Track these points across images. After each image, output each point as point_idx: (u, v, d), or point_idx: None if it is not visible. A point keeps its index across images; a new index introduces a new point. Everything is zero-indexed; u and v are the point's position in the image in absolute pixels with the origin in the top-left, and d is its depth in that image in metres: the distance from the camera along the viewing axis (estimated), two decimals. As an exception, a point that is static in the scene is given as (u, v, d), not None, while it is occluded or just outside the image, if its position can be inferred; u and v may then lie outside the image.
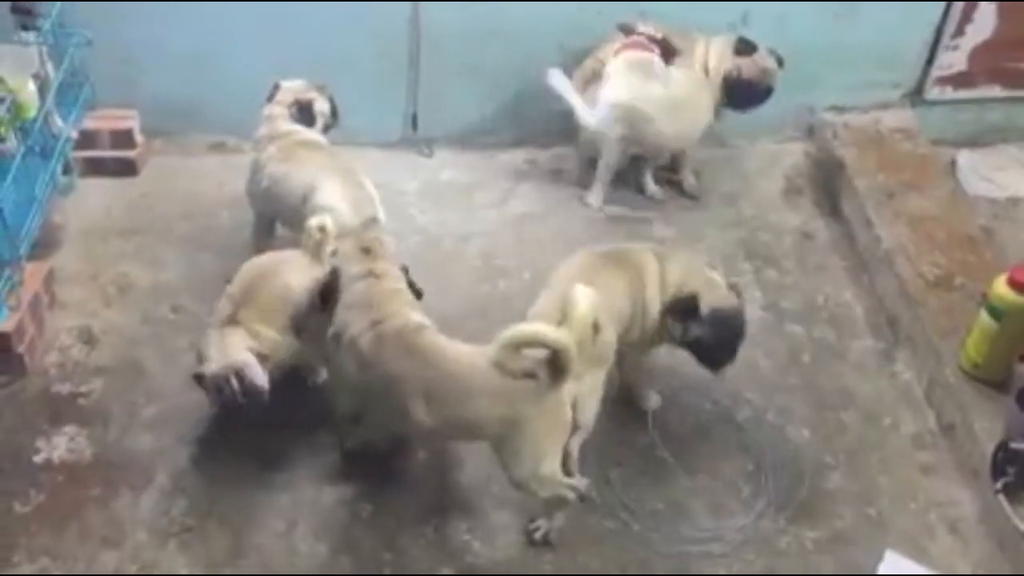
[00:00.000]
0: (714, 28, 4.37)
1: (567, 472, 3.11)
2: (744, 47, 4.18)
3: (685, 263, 3.34)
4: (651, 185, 4.44)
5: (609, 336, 3.15)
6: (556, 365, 2.85)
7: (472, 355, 2.98)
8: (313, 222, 3.35)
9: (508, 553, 3.15)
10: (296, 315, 3.27)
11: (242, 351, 3.15)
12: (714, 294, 3.26)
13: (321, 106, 3.87)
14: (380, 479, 3.33)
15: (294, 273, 3.32)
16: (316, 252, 3.33)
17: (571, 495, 3.05)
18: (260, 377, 3.12)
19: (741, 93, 4.20)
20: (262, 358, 3.16)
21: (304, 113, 3.82)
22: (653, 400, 3.56)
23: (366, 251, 3.22)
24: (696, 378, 3.55)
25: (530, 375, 2.88)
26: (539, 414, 2.91)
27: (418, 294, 3.30)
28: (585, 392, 3.11)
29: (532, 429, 2.92)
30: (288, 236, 3.75)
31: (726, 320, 3.26)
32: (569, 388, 2.94)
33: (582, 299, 2.89)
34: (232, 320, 3.24)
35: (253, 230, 3.89)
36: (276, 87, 3.85)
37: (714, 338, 3.24)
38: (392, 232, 3.69)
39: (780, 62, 4.21)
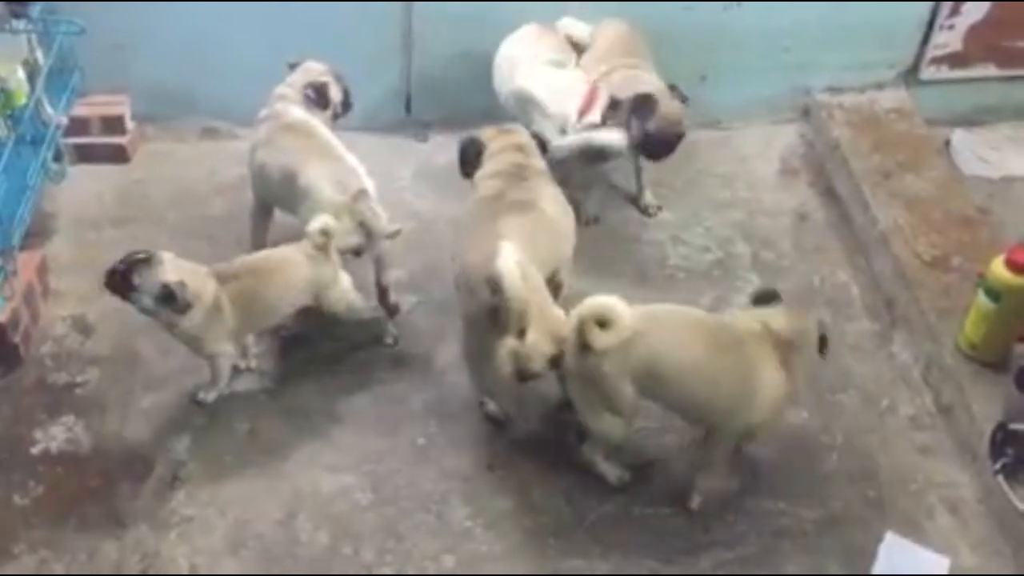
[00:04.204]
0: (709, 8, 4.35)
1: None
2: None
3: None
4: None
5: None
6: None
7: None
8: (314, 226, 3.37)
9: (510, 539, 3.15)
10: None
11: (171, 273, 3.18)
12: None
13: (335, 93, 3.84)
14: (380, 466, 3.32)
15: (295, 282, 3.40)
16: (323, 251, 3.39)
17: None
18: (136, 285, 3.16)
19: None
20: (169, 293, 3.15)
21: (319, 95, 3.78)
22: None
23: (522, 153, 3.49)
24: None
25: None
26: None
27: None
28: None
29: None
30: (286, 217, 3.75)
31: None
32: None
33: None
34: (221, 276, 3.29)
35: (251, 211, 3.86)
36: (295, 65, 3.82)
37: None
38: (387, 217, 3.65)
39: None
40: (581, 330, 2.95)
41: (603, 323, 2.93)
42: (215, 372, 3.42)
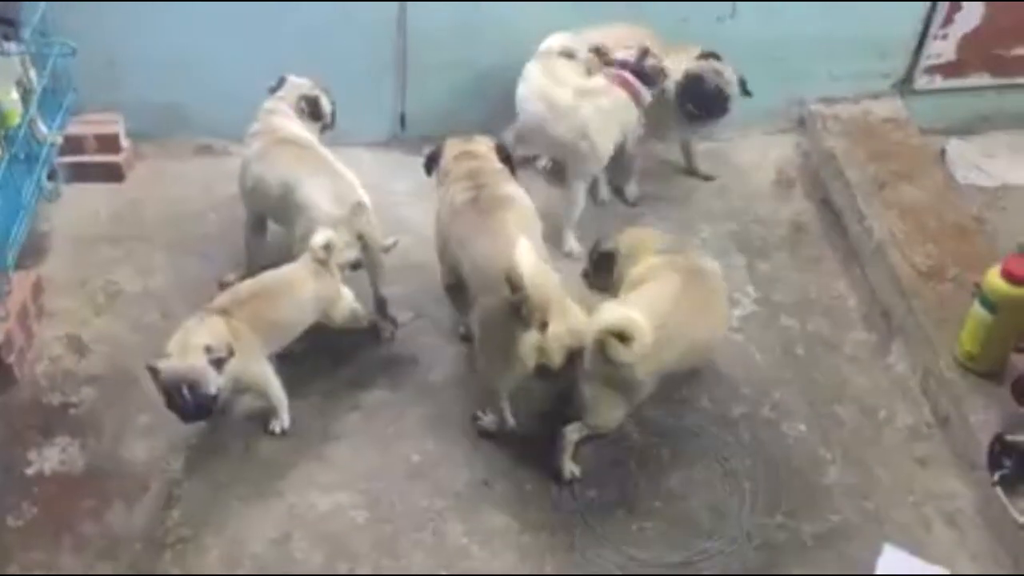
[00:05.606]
0: (704, 20, 4.35)
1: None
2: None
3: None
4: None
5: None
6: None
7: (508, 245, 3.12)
8: (317, 241, 3.37)
9: (507, 556, 3.14)
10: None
11: (199, 355, 3.10)
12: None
13: (325, 105, 3.88)
14: (375, 484, 3.31)
15: (303, 300, 3.39)
16: (324, 265, 3.41)
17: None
18: (211, 386, 3.09)
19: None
20: (218, 361, 3.11)
21: (314, 109, 3.82)
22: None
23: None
24: (692, 375, 3.57)
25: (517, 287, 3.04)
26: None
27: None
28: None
29: None
30: (280, 231, 3.75)
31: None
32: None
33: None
34: (222, 310, 3.25)
35: (245, 226, 3.87)
36: (282, 80, 3.84)
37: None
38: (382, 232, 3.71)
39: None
40: (601, 343, 3.02)
41: (623, 337, 2.99)
42: (273, 396, 3.39)
